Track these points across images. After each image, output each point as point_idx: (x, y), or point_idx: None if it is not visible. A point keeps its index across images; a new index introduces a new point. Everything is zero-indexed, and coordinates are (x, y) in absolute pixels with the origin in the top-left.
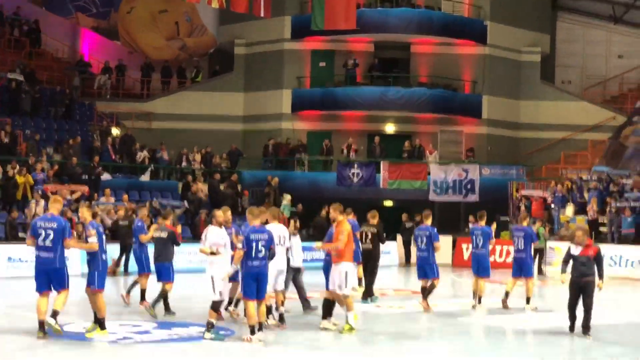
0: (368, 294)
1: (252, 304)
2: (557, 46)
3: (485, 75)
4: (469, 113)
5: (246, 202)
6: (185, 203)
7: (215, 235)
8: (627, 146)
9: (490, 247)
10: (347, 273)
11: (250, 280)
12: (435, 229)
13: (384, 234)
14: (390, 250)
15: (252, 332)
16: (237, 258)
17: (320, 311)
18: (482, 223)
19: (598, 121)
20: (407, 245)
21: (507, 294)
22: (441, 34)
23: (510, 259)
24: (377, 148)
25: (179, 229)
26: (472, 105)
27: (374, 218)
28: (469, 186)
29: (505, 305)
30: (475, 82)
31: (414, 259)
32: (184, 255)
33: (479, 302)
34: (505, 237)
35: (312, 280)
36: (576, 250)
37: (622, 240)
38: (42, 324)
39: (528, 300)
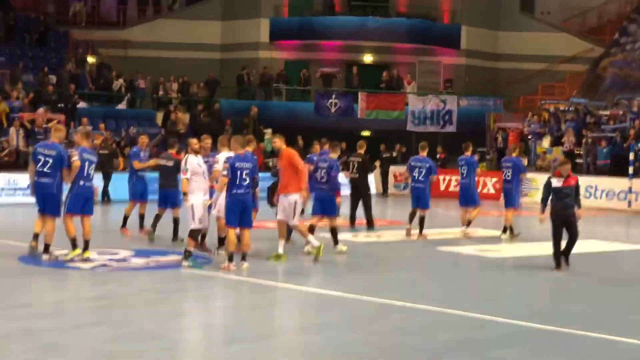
0: (368, 224)
1: (233, 231)
2: None
3: (465, 4)
4: (448, 43)
5: (228, 133)
6: (162, 131)
7: (192, 163)
8: (604, 78)
9: (477, 177)
10: (296, 203)
11: (234, 207)
12: (433, 162)
13: (371, 164)
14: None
15: (230, 259)
16: (221, 186)
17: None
18: (468, 154)
19: (576, 52)
20: (384, 176)
21: (505, 228)
22: None
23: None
24: (355, 78)
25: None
26: (451, 35)
27: (361, 148)
28: (446, 117)
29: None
30: (455, 12)
31: (391, 189)
32: None
33: (468, 226)
34: (482, 169)
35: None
36: (558, 183)
37: (598, 171)
38: (36, 236)
39: (505, 230)
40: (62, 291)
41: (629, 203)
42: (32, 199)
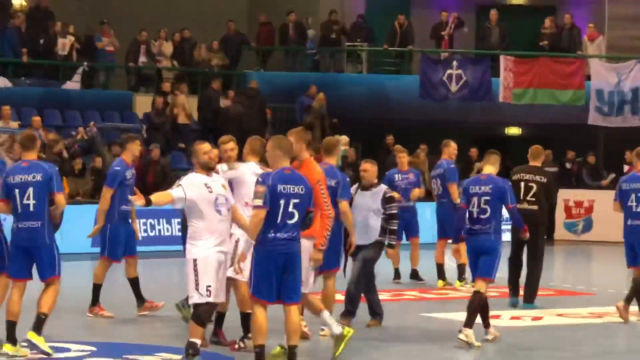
0: (530, 296)
1: (262, 310)
2: None
3: None
4: None
5: (269, 129)
6: (142, 127)
7: (196, 188)
8: None
9: None
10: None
11: (269, 267)
12: None
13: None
14: None
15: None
16: (254, 224)
17: None
18: None
19: None
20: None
21: None
22: None
23: None
24: (493, 31)
25: None
26: None
27: (536, 157)
28: None
29: None
30: None
31: (560, 231)
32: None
33: None
34: None
35: None
36: None
37: None
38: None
39: None
40: None
41: None
42: None
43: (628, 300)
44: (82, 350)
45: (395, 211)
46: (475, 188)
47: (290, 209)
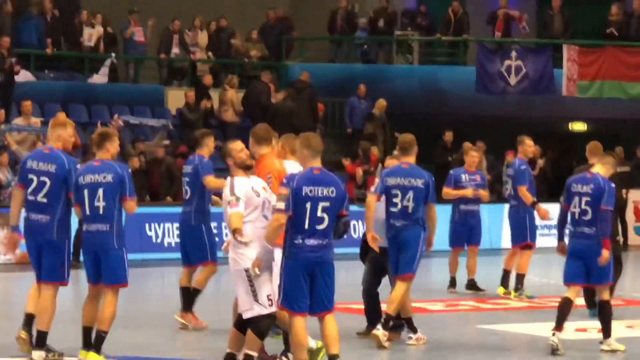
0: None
1: (302, 320)
2: None
3: None
4: None
5: (321, 128)
6: (168, 123)
7: (245, 187)
8: None
9: None
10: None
11: (298, 276)
12: None
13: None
14: None
15: None
16: (272, 230)
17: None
18: None
19: None
20: (620, 212)
21: None
22: None
23: None
24: (555, 18)
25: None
26: None
27: (596, 154)
28: None
29: None
30: None
31: (633, 236)
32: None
33: None
34: None
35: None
36: None
37: None
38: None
39: None
40: None
41: None
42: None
43: None
44: None
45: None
46: (579, 187)
47: (319, 213)
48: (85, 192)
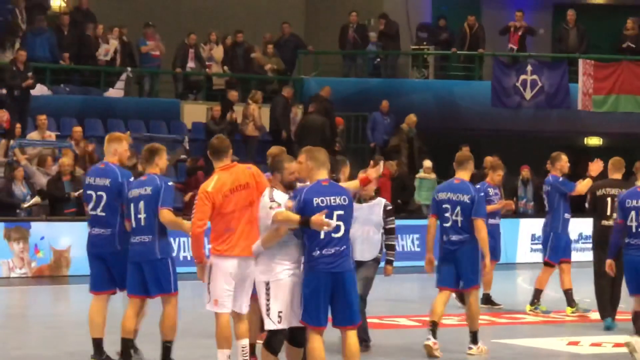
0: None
1: (319, 339)
2: None
3: None
4: None
5: (342, 142)
6: (185, 139)
7: (281, 201)
8: None
9: None
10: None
11: (318, 288)
12: None
13: None
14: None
15: None
16: (270, 236)
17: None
18: None
19: None
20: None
21: None
22: None
23: None
24: (571, 32)
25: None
26: None
27: (619, 169)
28: None
29: None
30: None
31: None
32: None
33: None
34: None
35: None
36: None
37: None
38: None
39: None
40: None
41: None
42: None
43: None
44: None
45: (393, 226)
46: (633, 202)
47: (335, 221)
48: (132, 205)
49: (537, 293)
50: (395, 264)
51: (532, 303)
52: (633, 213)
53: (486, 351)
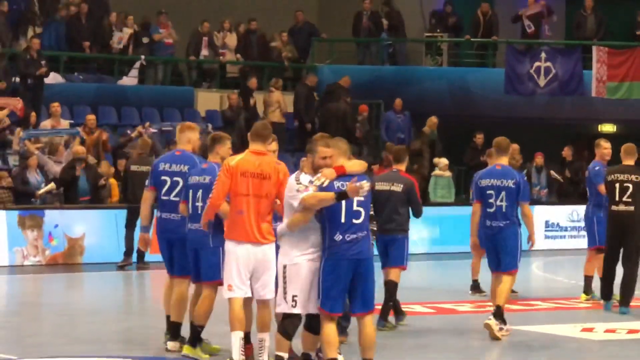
0: (624, 301)
1: (333, 326)
2: None
3: None
4: None
5: (363, 128)
6: (208, 127)
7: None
8: None
9: None
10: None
11: (339, 274)
12: None
13: None
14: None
15: None
16: (297, 219)
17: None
18: None
19: None
20: None
21: None
22: None
23: None
24: (585, 19)
25: None
26: None
27: (630, 155)
28: None
29: None
30: None
31: None
32: None
33: None
34: None
35: None
36: None
37: None
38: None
39: None
40: None
41: None
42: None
43: None
44: None
45: (372, 213)
46: None
47: (355, 207)
48: (190, 192)
49: (589, 281)
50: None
51: (588, 292)
52: None
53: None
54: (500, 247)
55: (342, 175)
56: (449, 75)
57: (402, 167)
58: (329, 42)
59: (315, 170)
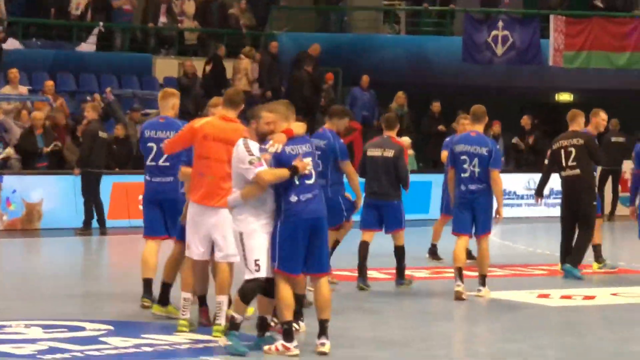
0: (573, 261)
1: (289, 288)
2: None
3: None
4: None
5: (328, 96)
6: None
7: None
8: None
9: None
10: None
11: (298, 235)
12: None
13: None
14: None
15: (288, 336)
16: (252, 190)
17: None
18: None
19: None
20: (613, 176)
21: None
22: None
23: None
24: None
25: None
26: None
27: (572, 121)
28: None
29: None
30: None
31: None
32: None
33: None
34: None
35: None
36: None
37: None
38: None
39: None
40: None
41: None
42: None
43: None
44: (98, 330)
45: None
46: None
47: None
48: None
49: (597, 249)
50: None
51: (599, 261)
52: None
53: (489, 295)
54: (477, 209)
55: (290, 138)
56: (407, 44)
57: (393, 133)
58: (287, 10)
59: (259, 136)
